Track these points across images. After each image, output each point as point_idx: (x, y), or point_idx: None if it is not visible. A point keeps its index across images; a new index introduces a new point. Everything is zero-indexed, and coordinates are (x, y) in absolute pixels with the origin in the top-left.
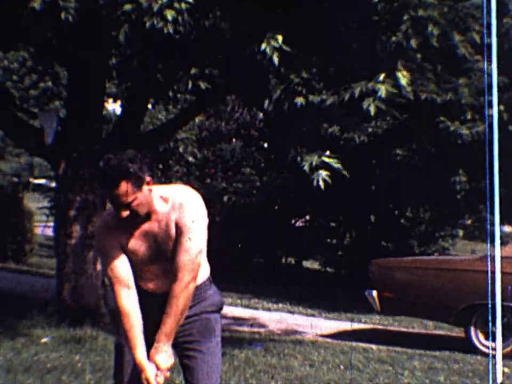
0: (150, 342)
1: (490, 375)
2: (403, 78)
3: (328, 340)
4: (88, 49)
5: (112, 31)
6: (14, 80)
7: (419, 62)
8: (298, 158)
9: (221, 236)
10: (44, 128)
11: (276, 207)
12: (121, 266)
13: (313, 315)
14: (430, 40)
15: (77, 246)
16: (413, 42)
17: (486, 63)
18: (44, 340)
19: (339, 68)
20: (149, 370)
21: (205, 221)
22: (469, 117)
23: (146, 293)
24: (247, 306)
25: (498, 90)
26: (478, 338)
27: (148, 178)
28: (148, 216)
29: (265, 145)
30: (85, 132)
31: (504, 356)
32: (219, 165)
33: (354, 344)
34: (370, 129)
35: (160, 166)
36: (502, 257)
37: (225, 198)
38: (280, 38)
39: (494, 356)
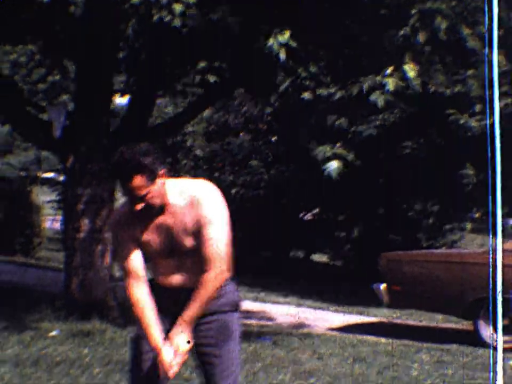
0: (166, 334)
1: (491, 368)
2: (410, 71)
3: (337, 333)
4: (96, 42)
5: (120, 24)
6: (22, 74)
7: (427, 54)
8: (313, 150)
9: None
10: (52, 122)
11: (284, 201)
12: (134, 259)
13: (321, 308)
14: (438, 33)
15: (85, 240)
16: (421, 36)
17: (491, 54)
18: (52, 333)
19: (347, 61)
20: (165, 353)
21: (226, 213)
22: (477, 109)
23: (163, 288)
24: (256, 300)
25: (509, 83)
26: (486, 331)
27: (161, 171)
28: (162, 209)
29: (273, 139)
30: (93, 125)
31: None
32: (227, 158)
33: (363, 337)
34: (378, 122)
35: (168, 160)
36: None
37: (233, 191)
38: (287, 33)
39: (501, 349)
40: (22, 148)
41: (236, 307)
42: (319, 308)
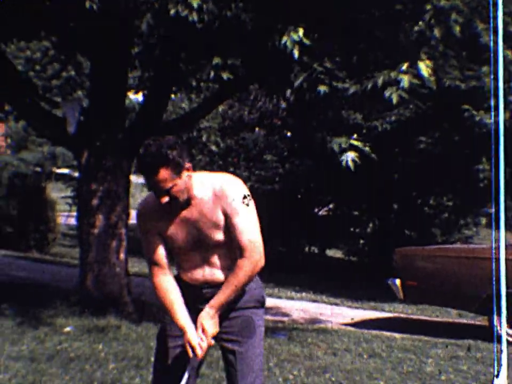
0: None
1: (495, 363)
2: (425, 68)
3: (351, 328)
4: (111, 38)
5: (135, 20)
6: (37, 70)
7: (442, 49)
8: (330, 141)
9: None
10: (66, 117)
11: (299, 196)
12: (159, 251)
13: (336, 304)
14: (452, 28)
15: (100, 235)
16: (436, 32)
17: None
18: (67, 329)
19: (362, 56)
20: (192, 333)
21: (252, 203)
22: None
23: (187, 284)
24: (270, 295)
25: None
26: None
27: (187, 165)
28: (187, 203)
29: (288, 134)
30: (107, 121)
31: None
32: (242, 154)
33: (377, 332)
34: (393, 117)
35: None
36: None
37: (248, 185)
38: (301, 30)
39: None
40: (36, 143)
41: (260, 304)
42: (334, 304)
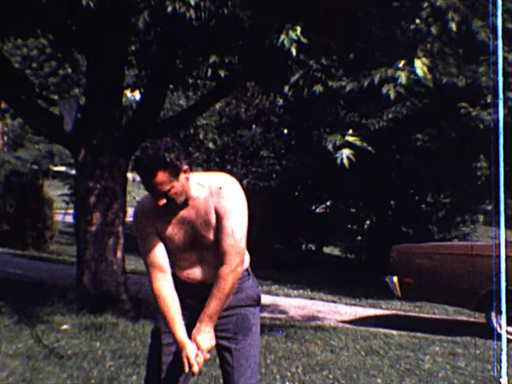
0: (188, 331)
1: (495, 360)
2: (422, 66)
3: (349, 325)
4: (108, 36)
5: (132, 17)
6: (34, 68)
7: (439, 46)
8: (324, 139)
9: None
10: (63, 115)
11: (296, 193)
12: (158, 252)
13: (333, 301)
14: (449, 25)
15: (97, 233)
16: (434, 29)
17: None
18: (64, 326)
19: (359, 54)
20: (190, 349)
21: (245, 205)
22: (489, 100)
23: (182, 282)
24: (268, 293)
25: None
26: (499, 323)
27: (185, 167)
28: (185, 203)
29: (285, 131)
30: (104, 119)
31: None
32: (239, 151)
33: (375, 330)
34: (390, 115)
35: None
36: None
37: (245, 182)
38: (298, 29)
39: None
40: (33, 141)
41: (255, 302)
42: (331, 301)
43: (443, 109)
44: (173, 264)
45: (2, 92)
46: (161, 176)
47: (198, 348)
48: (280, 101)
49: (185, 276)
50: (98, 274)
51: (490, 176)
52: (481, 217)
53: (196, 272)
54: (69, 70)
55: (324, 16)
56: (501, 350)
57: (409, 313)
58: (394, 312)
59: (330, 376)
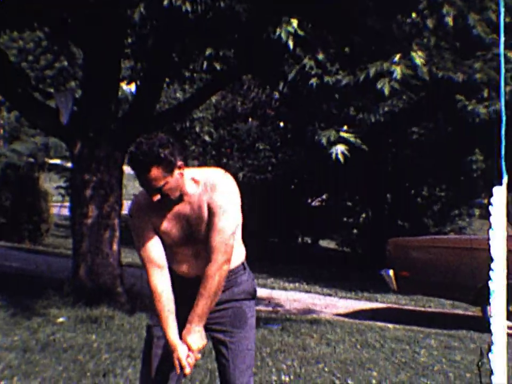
0: (182, 324)
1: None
2: (418, 58)
3: (345, 319)
4: (104, 28)
5: (128, 10)
6: (30, 61)
7: (435, 40)
8: (318, 134)
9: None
10: (59, 108)
11: (292, 187)
12: (154, 247)
13: (329, 294)
14: (445, 19)
15: (93, 226)
16: (429, 23)
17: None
18: (60, 319)
19: (355, 47)
20: (181, 350)
21: (238, 202)
22: (485, 94)
23: (178, 276)
24: (264, 286)
25: None
26: None
27: (179, 163)
28: (180, 198)
29: (281, 124)
30: (100, 111)
31: None
32: (235, 144)
33: (370, 323)
34: (386, 108)
35: None
36: None
37: (241, 175)
38: (295, 22)
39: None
40: (29, 134)
41: (251, 295)
42: (327, 294)
43: (439, 102)
44: (169, 259)
45: None
46: (155, 172)
47: (189, 349)
48: (276, 94)
49: (181, 270)
50: (94, 267)
51: (486, 169)
52: (477, 211)
53: (192, 267)
54: (65, 63)
55: (321, 9)
56: (492, 343)
57: (405, 307)
58: (390, 305)
59: (326, 369)
